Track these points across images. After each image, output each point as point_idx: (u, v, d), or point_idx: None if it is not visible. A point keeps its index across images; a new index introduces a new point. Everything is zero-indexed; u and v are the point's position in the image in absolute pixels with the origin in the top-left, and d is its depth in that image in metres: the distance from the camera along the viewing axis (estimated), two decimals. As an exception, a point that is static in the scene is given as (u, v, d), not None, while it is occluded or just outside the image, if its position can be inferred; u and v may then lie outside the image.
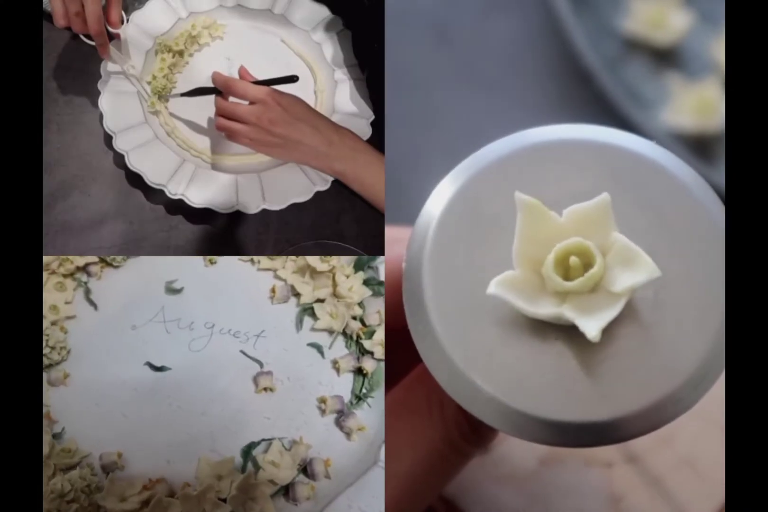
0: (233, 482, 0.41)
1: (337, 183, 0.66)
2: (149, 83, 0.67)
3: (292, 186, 0.65)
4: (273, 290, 0.52)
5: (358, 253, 0.65)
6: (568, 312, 0.30)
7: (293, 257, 0.54)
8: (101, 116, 0.66)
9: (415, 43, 0.70)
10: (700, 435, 0.51)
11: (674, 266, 0.31)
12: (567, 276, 0.31)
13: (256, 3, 0.72)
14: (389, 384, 0.48)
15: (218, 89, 0.63)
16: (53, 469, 0.42)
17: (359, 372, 0.49)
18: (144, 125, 0.66)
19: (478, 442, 0.38)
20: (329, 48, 0.72)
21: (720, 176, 0.61)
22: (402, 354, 0.34)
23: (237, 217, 0.65)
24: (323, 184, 0.65)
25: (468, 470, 0.40)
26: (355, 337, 0.50)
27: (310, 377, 0.49)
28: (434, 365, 0.32)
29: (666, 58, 0.68)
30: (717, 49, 0.67)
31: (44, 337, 0.47)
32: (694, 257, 0.32)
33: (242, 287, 0.52)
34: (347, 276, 0.52)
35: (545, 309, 0.30)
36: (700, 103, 0.65)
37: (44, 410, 0.46)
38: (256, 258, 0.54)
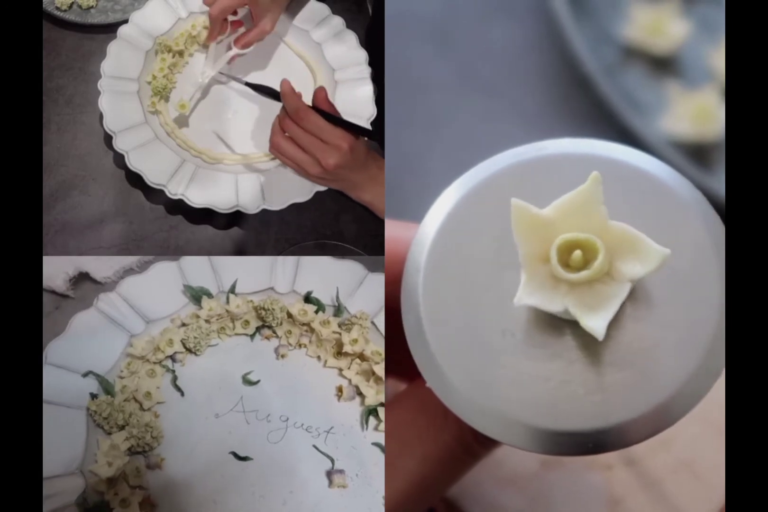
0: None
1: (337, 183, 0.66)
2: (149, 83, 0.67)
3: (292, 186, 0.65)
4: (340, 389, 0.56)
5: (358, 252, 0.65)
6: (572, 309, 0.30)
7: (358, 360, 0.57)
8: (101, 116, 0.66)
9: (416, 47, 0.70)
10: (699, 438, 0.51)
11: (670, 276, 0.31)
12: (569, 266, 0.31)
13: (257, 3, 0.72)
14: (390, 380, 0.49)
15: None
16: None
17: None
18: (144, 125, 0.66)
19: (489, 444, 0.38)
20: (329, 48, 0.72)
21: (718, 183, 0.62)
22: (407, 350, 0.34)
23: (237, 217, 0.66)
24: (323, 184, 0.65)
25: (470, 471, 0.40)
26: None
27: (376, 476, 0.52)
28: (433, 379, 0.33)
29: (665, 65, 0.68)
30: (715, 57, 0.67)
31: (147, 428, 0.51)
32: (690, 267, 0.32)
33: (311, 383, 0.56)
34: None
35: (556, 306, 0.31)
36: (699, 110, 0.65)
37: (145, 493, 0.49)
38: (322, 356, 0.58)
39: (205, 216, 0.65)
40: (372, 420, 0.55)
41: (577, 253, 0.31)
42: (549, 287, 0.31)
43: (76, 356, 0.54)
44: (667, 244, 0.31)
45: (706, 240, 0.32)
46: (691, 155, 0.65)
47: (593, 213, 0.31)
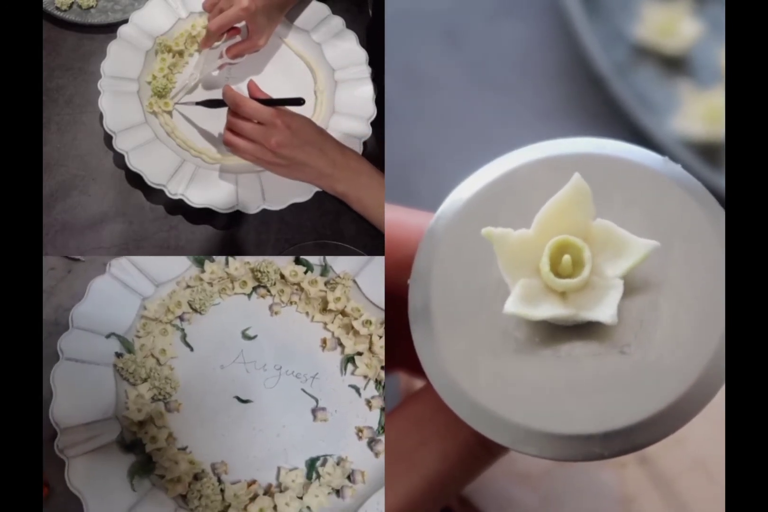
0: (303, 485, 0.58)
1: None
2: (149, 83, 0.67)
3: (292, 186, 0.65)
4: (324, 341, 0.64)
5: (358, 252, 0.65)
6: (576, 311, 0.30)
7: (340, 316, 0.64)
8: (101, 116, 0.66)
9: (425, 45, 0.70)
10: (712, 436, 0.51)
11: (677, 276, 0.31)
12: (559, 274, 0.31)
13: (256, 3, 0.72)
14: (389, 366, 0.50)
15: None
16: (191, 477, 0.57)
17: (384, 409, 0.62)
18: (144, 125, 0.66)
19: None
20: (329, 48, 0.72)
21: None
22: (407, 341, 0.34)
23: (237, 217, 0.65)
24: (323, 184, 0.65)
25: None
26: (383, 384, 0.63)
27: (351, 411, 0.62)
28: (439, 383, 0.33)
29: (676, 65, 0.68)
30: (727, 58, 0.67)
31: (166, 380, 0.61)
32: (699, 267, 0.32)
33: (300, 336, 0.65)
34: (381, 337, 0.62)
35: (551, 312, 0.31)
36: (710, 110, 0.65)
37: (168, 431, 0.59)
38: (310, 312, 0.65)
39: (205, 216, 0.65)
40: (349, 367, 0.63)
41: (566, 259, 0.30)
42: (541, 296, 0.31)
43: (97, 320, 0.61)
44: (676, 243, 0.31)
45: (716, 239, 0.32)
46: (701, 154, 0.65)
47: (577, 214, 0.31)
